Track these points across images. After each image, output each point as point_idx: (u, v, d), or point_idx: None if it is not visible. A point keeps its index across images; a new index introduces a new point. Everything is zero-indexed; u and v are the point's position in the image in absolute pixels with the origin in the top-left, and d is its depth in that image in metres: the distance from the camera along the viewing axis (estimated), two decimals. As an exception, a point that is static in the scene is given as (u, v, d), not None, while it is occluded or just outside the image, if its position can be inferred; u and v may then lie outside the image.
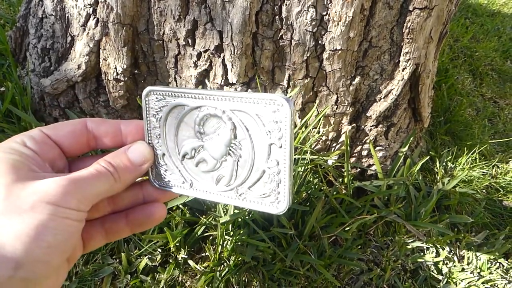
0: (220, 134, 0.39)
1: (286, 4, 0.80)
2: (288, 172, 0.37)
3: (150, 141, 0.42)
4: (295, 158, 0.94)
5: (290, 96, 0.91)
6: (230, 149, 0.39)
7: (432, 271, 0.99)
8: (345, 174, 1.00)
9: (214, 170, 0.40)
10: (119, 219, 0.41)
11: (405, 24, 0.86)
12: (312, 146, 1.02)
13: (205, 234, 0.91)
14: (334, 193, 0.98)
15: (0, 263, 0.28)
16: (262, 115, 0.36)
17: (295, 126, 0.95)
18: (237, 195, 0.40)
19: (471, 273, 1.01)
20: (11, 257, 0.28)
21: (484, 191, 1.22)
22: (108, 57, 0.92)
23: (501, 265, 1.05)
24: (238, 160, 0.39)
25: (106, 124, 0.41)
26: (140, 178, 0.42)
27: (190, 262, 0.89)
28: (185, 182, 0.42)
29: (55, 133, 0.38)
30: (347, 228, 0.94)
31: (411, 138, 1.09)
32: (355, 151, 1.04)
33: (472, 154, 1.27)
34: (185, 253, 0.89)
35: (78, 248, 0.38)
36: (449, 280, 0.98)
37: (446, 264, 1.01)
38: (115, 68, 0.92)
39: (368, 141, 1.02)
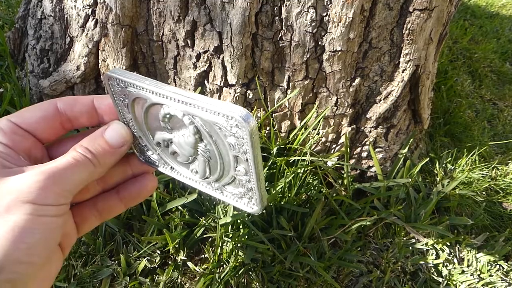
0: (185, 136, 0.37)
1: (286, 5, 0.80)
2: (257, 183, 0.36)
3: (125, 122, 0.39)
4: (294, 160, 0.94)
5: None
6: (197, 151, 0.37)
7: (432, 273, 0.99)
8: (344, 175, 1.00)
9: (187, 163, 0.40)
10: (110, 196, 0.40)
11: (405, 25, 0.86)
12: (312, 148, 1.01)
13: (204, 236, 0.91)
14: (334, 194, 0.98)
15: None
16: (222, 127, 0.33)
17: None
18: (214, 188, 0.40)
19: (471, 275, 1.00)
20: None
21: (483, 193, 1.22)
22: (107, 58, 0.91)
23: (501, 267, 1.05)
24: (209, 161, 0.38)
25: (79, 104, 0.37)
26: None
27: (189, 264, 0.89)
28: (166, 165, 0.41)
29: (25, 121, 0.35)
30: (346, 230, 0.94)
31: (411, 140, 1.09)
32: (354, 153, 1.04)
33: (471, 156, 1.26)
34: (184, 255, 0.89)
35: (72, 234, 0.37)
36: (449, 282, 0.98)
37: (446, 266, 1.01)
38: (114, 69, 0.92)
39: (367, 142, 1.02)
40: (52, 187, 0.31)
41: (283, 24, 0.83)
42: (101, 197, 0.40)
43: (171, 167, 0.41)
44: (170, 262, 0.89)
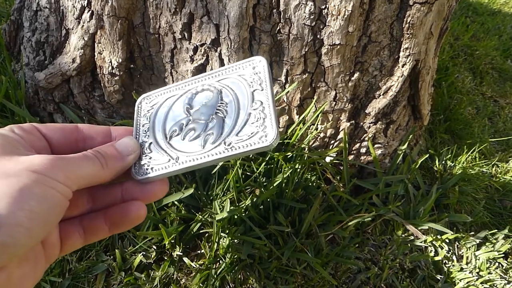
0: (207, 101, 0.43)
1: (284, -2, 0.78)
2: (272, 107, 0.41)
3: (137, 137, 0.44)
4: (292, 155, 0.93)
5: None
6: (217, 109, 0.42)
7: (431, 270, 0.98)
8: (343, 171, 0.99)
9: (201, 132, 0.42)
10: (97, 217, 0.40)
11: (405, 19, 0.85)
12: (310, 143, 1.00)
13: (201, 231, 0.90)
14: (332, 190, 0.97)
15: None
16: (243, 74, 0.43)
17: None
18: (225, 147, 0.40)
19: (470, 272, 0.99)
20: None
21: (483, 190, 1.21)
22: (103, 50, 0.90)
23: (500, 265, 1.04)
24: (225, 117, 0.42)
25: (97, 127, 0.42)
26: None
27: (185, 259, 0.88)
28: (171, 159, 0.42)
29: (45, 127, 0.39)
30: (344, 226, 0.93)
31: (411, 136, 1.08)
32: (353, 149, 1.03)
33: (471, 153, 1.25)
34: (180, 250, 0.88)
35: (56, 245, 0.37)
36: (447, 279, 0.97)
37: (445, 263, 1.00)
38: (110, 62, 0.91)
39: (366, 138, 1.01)
40: (61, 168, 0.32)
41: (281, 16, 0.81)
42: (88, 216, 0.40)
43: (176, 159, 0.41)
44: (166, 258, 0.89)
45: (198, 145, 0.41)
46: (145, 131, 0.44)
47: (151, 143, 0.43)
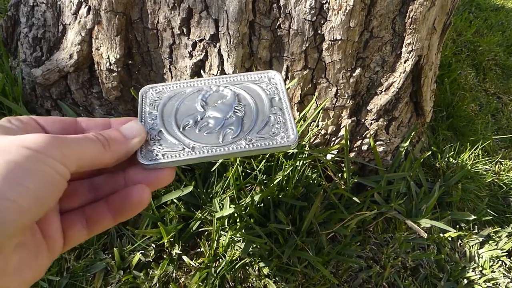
0: (224, 100, 0.44)
1: (284, -8, 0.77)
2: (292, 114, 0.43)
3: (143, 123, 0.42)
4: (293, 152, 0.92)
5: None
6: (235, 109, 0.43)
7: (433, 269, 0.97)
8: (344, 169, 0.98)
9: (219, 128, 0.41)
10: (100, 205, 0.37)
11: (407, 14, 0.83)
12: (311, 140, 0.99)
13: (200, 230, 0.89)
14: (333, 188, 0.96)
15: None
16: (259, 82, 0.45)
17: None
18: (246, 142, 0.40)
19: (472, 271, 0.98)
20: None
21: (486, 187, 1.20)
22: (100, 46, 0.89)
23: (503, 263, 1.03)
24: (243, 116, 0.42)
25: (96, 119, 0.40)
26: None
27: (185, 258, 0.87)
28: (186, 148, 0.40)
29: (43, 119, 0.37)
30: (346, 225, 0.92)
31: (413, 133, 1.06)
32: (355, 146, 1.02)
33: (474, 150, 1.24)
34: (180, 249, 0.87)
35: (58, 238, 0.35)
36: (450, 278, 0.96)
37: (448, 261, 0.99)
38: (108, 58, 0.89)
39: (368, 135, 1.00)
40: (58, 145, 0.30)
41: (281, 11, 0.80)
42: (90, 206, 0.38)
43: (192, 147, 0.40)
44: (165, 256, 0.88)
45: (215, 138, 0.41)
46: (152, 118, 0.43)
47: (160, 130, 0.42)
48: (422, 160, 1.07)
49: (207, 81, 0.46)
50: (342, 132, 0.98)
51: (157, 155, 0.39)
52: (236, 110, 0.43)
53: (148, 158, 0.39)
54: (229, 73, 0.87)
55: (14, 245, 0.28)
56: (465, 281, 0.94)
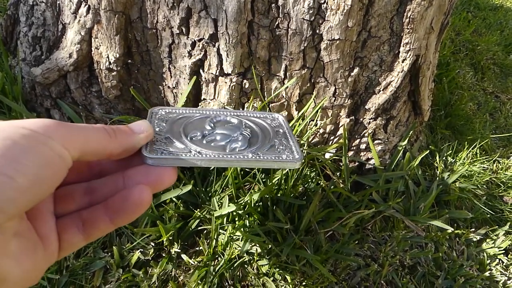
0: (232, 124, 0.46)
1: (282, -8, 0.77)
2: (296, 143, 0.45)
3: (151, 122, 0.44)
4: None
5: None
6: (242, 131, 0.44)
7: (431, 267, 0.97)
8: (342, 168, 0.98)
9: (226, 141, 0.42)
10: (97, 208, 0.35)
11: (405, 14, 0.84)
12: (309, 139, 0.99)
13: (199, 228, 0.90)
14: (332, 187, 0.96)
15: None
16: (264, 117, 0.49)
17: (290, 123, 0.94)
18: (253, 154, 0.41)
19: (470, 269, 0.99)
20: None
21: (484, 186, 1.20)
22: (100, 45, 0.89)
23: (500, 261, 1.03)
24: (250, 138, 0.44)
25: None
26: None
27: (184, 256, 0.87)
28: (192, 151, 0.40)
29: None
30: (344, 223, 0.92)
31: (411, 132, 1.07)
32: (353, 145, 1.02)
33: (472, 149, 1.24)
34: (179, 247, 0.87)
35: (53, 239, 0.33)
36: (448, 276, 0.96)
37: (445, 260, 1.00)
38: (108, 57, 0.90)
39: (366, 134, 1.00)
40: (60, 129, 0.29)
41: (280, 11, 0.80)
42: (87, 210, 0.36)
43: (199, 152, 0.40)
44: (164, 255, 0.88)
45: (222, 149, 0.41)
46: (160, 128, 0.43)
47: (168, 136, 0.42)
48: (420, 159, 1.07)
49: (215, 111, 0.48)
50: (341, 131, 0.98)
51: (162, 152, 0.39)
52: (243, 132, 0.44)
53: (155, 154, 0.38)
54: (228, 73, 0.88)
55: (13, 232, 0.28)
56: (463, 279, 0.95)
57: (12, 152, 0.25)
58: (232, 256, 0.86)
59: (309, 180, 0.95)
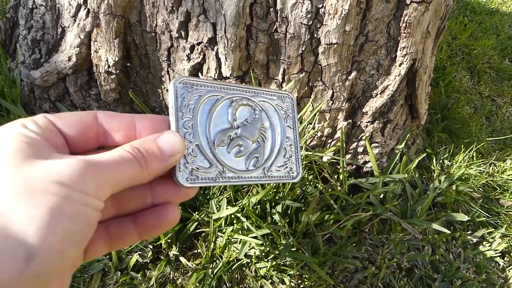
0: (253, 122, 0.45)
1: (281, -4, 0.78)
2: (299, 147, 0.47)
3: (178, 131, 0.39)
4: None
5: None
6: (261, 133, 0.46)
7: (428, 269, 0.98)
8: (340, 171, 0.99)
9: (248, 153, 0.44)
10: (125, 222, 0.36)
11: (402, 18, 0.84)
12: (307, 142, 1.00)
13: (197, 231, 0.90)
14: (329, 190, 0.97)
15: (8, 255, 0.23)
16: (281, 106, 0.48)
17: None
18: (263, 172, 0.44)
19: (467, 271, 0.99)
20: (22, 247, 0.24)
21: (481, 189, 1.21)
22: (99, 49, 0.90)
23: (497, 263, 1.04)
24: (264, 142, 0.46)
25: (119, 118, 0.35)
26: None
27: (182, 259, 0.88)
28: (218, 172, 0.41)
29: (60, 121, 0.33)
30: (341, 226, 0.92)
31: (408, 135, 1.08)
32: (350, 148, 1.03)
33: (469, 152, 1.25)
34: (177, 250, 0.88)
35: (81, 257, 0.33)
36: (444, 278, 0.97)
37: (442, 262, 1.00)
38: (107, 60, 0.90)
39: (364, 137, 1.01)
40: (92, 176, 0.28)
41: (278, 15, 0.81)
42: (115, 221, 0.36)
43: (221, 172, 0.41)
44: (162, 257, 0.88)
45: (242, 164, 0.43)
46: (188, 127, 0.40)
47: (196, 145, 0.40)
48: (417, 162, 1.08)
49: (236, 88, 0.46)
50: (338, 134, 0.99)
51: (194, 178, 0.38)
52: (262, 136, 0.46)
53: (188, 180, 0.38)
54: (226, 76, 0.88)
55: None
56: (460, 281, 0.95)
57: (63, 226, 0.26)
58: (230, 259, 0.86)
59: (307, 183, 0.96)
